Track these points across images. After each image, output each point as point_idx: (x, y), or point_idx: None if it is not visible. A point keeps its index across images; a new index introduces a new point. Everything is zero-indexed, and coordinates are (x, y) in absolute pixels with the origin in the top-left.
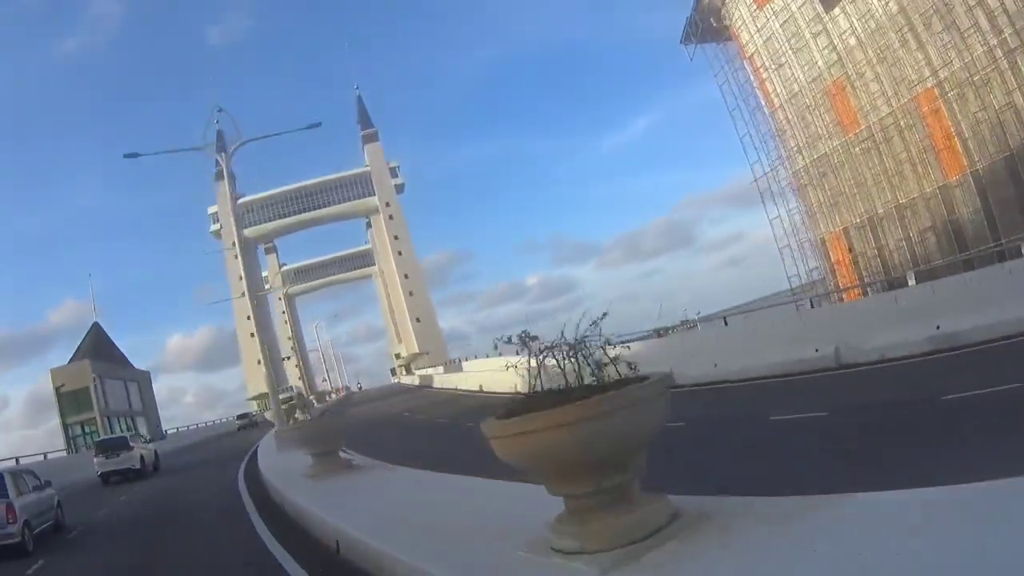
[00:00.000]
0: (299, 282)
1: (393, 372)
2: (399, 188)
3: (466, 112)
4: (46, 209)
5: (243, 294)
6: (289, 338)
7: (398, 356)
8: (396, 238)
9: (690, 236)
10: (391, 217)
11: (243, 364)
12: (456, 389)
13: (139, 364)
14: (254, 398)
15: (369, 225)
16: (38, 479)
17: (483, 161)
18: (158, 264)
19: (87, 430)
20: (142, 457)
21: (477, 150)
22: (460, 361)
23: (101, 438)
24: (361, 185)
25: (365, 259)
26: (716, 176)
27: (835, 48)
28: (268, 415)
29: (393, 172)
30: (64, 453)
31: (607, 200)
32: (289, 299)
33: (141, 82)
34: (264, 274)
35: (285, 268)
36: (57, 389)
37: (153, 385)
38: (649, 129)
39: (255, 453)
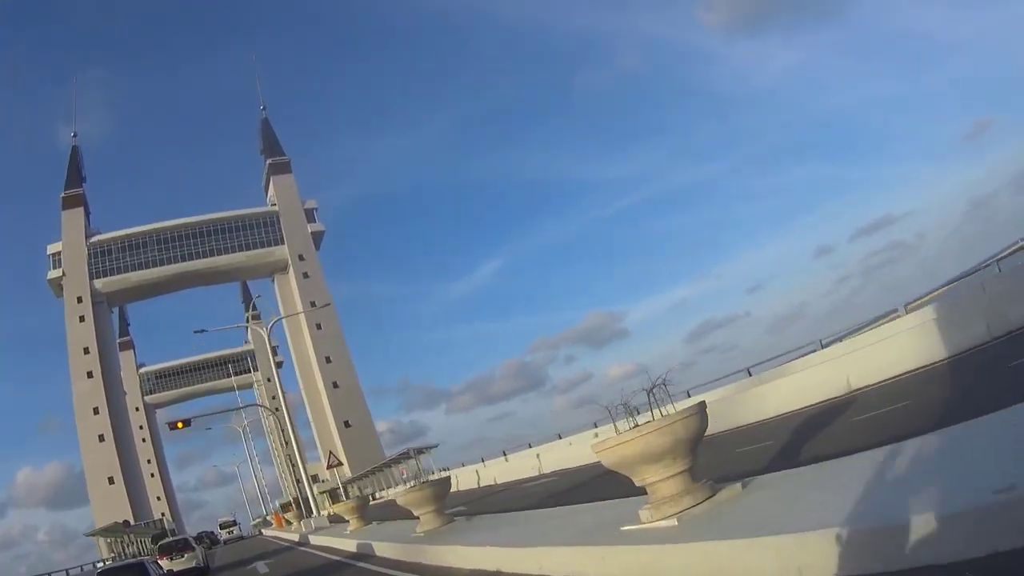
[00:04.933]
0: (161, 390)
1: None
2: (317, 237)
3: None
4: None
5: (90, 374)
6: (149, 461)
7: (316, 479)
8: (313, 304)
9: (541, 377)
10: (306, 275)
11: (87, 484)
12: None
13: None
14: (97, 532)
15: (251, 320)
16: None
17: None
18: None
19: None
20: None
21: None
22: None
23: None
24: (264, 230)
25: (243, 363)
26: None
27: None
28: None
29: (309, 215)
30: None
31: (457, 345)
32: (148, 410)
33: None
34: (121, 374)
35: (144, 370)
36: None
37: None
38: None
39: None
